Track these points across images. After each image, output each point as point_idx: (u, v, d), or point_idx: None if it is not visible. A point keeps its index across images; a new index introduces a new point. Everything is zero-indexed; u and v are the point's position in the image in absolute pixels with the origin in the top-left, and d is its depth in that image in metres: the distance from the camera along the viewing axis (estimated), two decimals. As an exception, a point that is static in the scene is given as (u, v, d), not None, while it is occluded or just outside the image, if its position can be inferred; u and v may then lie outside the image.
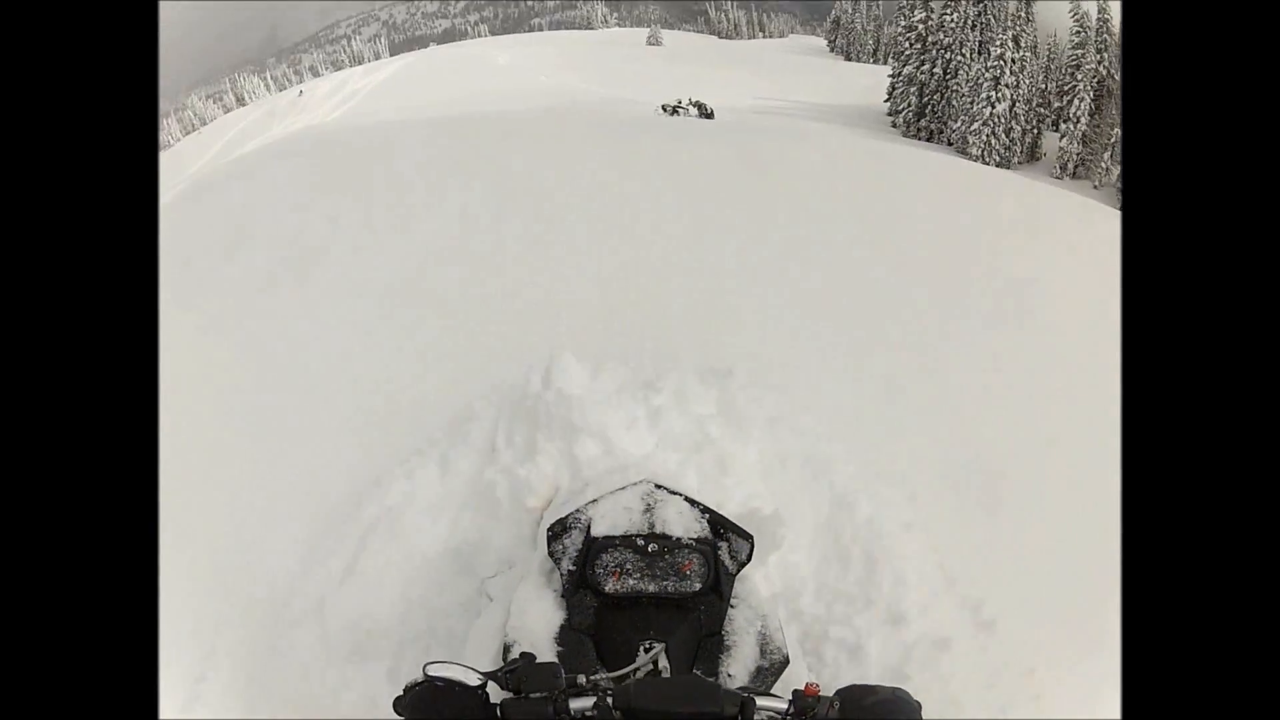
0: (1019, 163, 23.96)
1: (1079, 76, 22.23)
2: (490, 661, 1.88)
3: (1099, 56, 22.12)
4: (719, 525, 2.13)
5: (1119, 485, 1.32)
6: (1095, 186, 21.97)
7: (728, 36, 71.21)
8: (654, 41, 55.68)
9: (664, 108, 23.73)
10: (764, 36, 72.27)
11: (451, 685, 1.45)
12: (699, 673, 1.88)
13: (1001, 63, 22.31)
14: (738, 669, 1.92)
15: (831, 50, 49.43)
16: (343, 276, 5.30)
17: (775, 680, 1.93)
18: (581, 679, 1.49)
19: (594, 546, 2.04)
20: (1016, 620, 2.74)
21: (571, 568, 2.05)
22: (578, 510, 2.16)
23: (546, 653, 1.87)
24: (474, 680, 1.47)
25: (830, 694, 1.42)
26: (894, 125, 29.08)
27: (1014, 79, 22.52)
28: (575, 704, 1.44)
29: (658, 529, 2.07)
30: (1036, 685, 2.60)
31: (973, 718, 2.49)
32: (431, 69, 47.52)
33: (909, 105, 27.59)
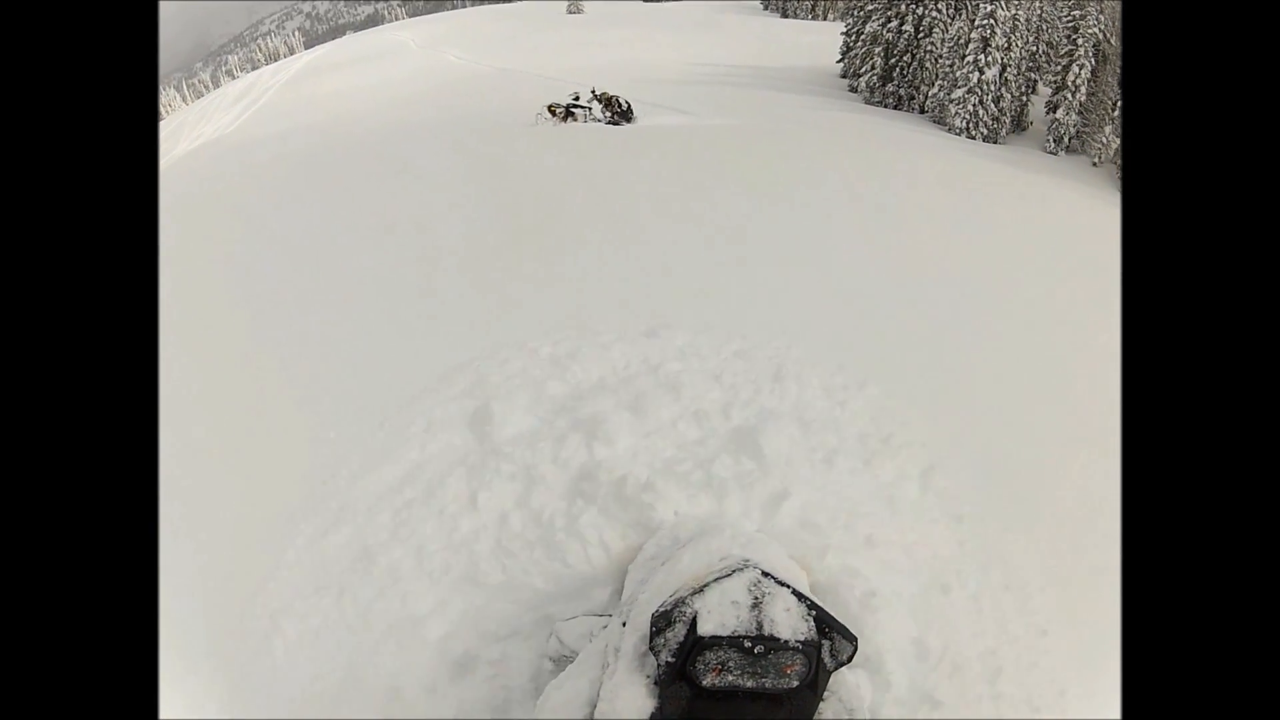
0: (1007, 134, 21.13)
1: (1078, 40, 19.33)
2: None
3: (1098, 19, 19.21)
4: (824, 624, 2.11)
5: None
6: (1094, 164, 19.38)
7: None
8: (575, 10, 50.98)
9: (551, 110, 14.50)
10: (691, -4, 68.20)
11: None
12: None
13: (991, 21, 19.22)
14: None
15: (766, 8, 45.81)
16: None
17: None
18: None
19: (699, 644, 2.03)
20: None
21: (670, 659, 2.06)
22: (682, 602, 2.13)
23: None
24: None
25: None
26: (853, 90, 25.89)
27: (1005, 40, 19.49)
28: None
29: (765, 629, 2.05)
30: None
31: (974, 717, 2.73)
32: (338, 61, 43.04)
33: (873, 68, 24.37)
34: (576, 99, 15.14)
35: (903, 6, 23.39)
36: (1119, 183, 18.01)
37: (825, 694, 2.12)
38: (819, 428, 4.14)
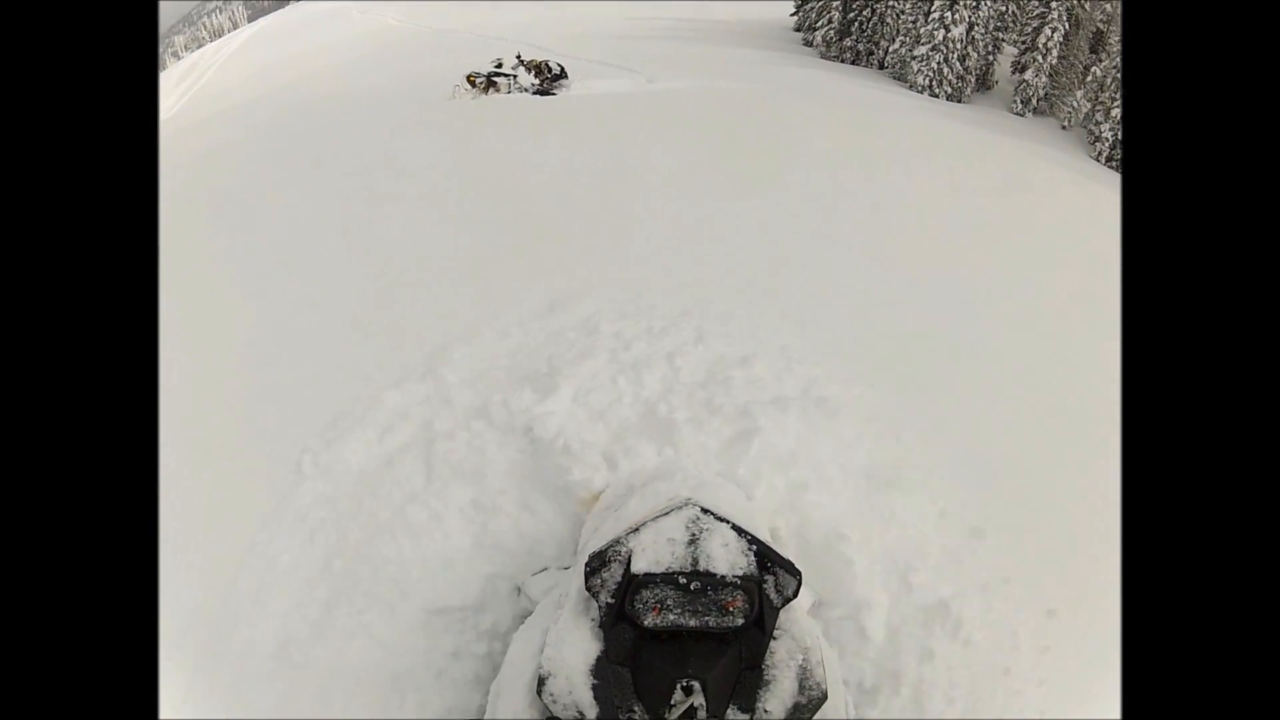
0: (971, 93, 20.02)
1: (1051, 3, 18.21)
2: (525, 687, 2.01)
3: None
4: (766, 558, 2.04)
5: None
6: (1064, 127, 18.48)
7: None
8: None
9: (470, 81, 12.62)
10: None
11: None
12: (735, 709, 1.87)
13: (961, -24, 17.89)
14: (775, 705, 1.88)
15: (714, -45, 43.68)
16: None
17: (812, 717, 1.90)
18: None
19: (634, 583, 1.98)
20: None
21: (610, 600, 2.01)
22: (617, 542, 2.09)
23: (582, 685, 1.88)
24: None
25: None
26: (808, 44, 24.49)
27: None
28: None
29: (701, 564, 2.00)
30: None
31: (972, 717, 2.61)
32: (279, 32, 40.42)
33: (830, 22, 22.93)
34: (499, 66, 13.06)
35: (863, -42, 21.90)
36: (1090, 147, 17.19)
37: (776, 632, 2.01)
38: (784, 380, 3.89)
